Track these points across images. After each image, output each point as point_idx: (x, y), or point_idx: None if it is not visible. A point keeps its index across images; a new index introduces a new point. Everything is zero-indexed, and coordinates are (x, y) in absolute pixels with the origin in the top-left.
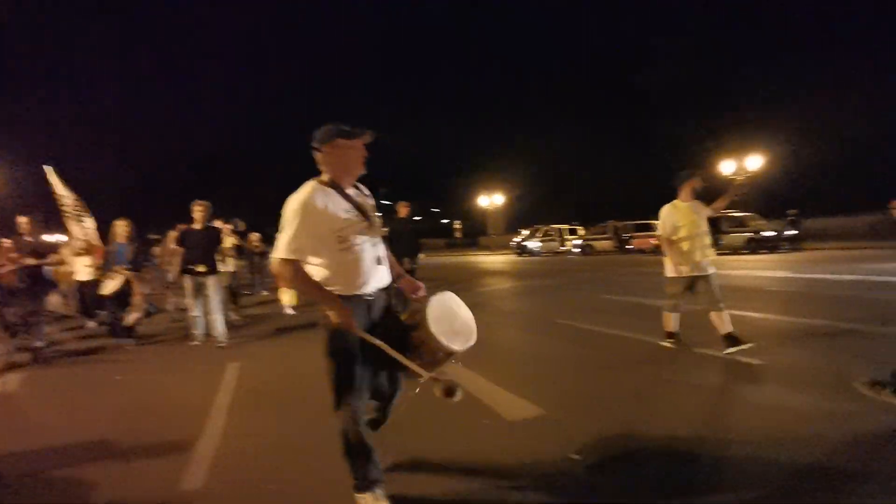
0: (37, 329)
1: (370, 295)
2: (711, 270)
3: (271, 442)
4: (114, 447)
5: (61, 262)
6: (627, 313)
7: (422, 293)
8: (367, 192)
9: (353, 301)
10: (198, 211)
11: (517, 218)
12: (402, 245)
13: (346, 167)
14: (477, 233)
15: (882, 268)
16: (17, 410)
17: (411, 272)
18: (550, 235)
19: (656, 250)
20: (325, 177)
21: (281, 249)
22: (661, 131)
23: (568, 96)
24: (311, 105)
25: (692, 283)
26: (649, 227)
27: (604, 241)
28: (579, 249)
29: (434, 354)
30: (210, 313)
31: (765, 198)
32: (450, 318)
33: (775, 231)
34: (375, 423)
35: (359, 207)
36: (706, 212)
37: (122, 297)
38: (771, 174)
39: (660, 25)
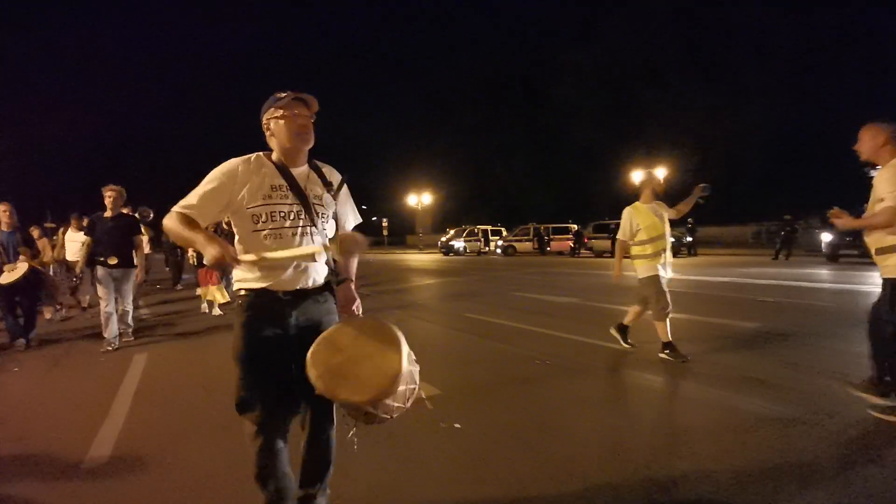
0: None
1: (284, 294)
2: (670, 275)
3: (175, 424)
4: (17, 432)
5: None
6: (535, 310)
7: (355, 309)
8: (331, 176)
9: (261, 297)
10: (109, 197)
11: (445, 218)
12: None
13: (281, 140)
14: (405, 231)
15: (761, 272)
16: None
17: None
18: (475, 236)
19: (573, 252)
20: (274, 153)
21: (178, 204)
22: (578, 139)
23: (492, 103)
24: (234, 97)
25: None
26: (567, 231)
27: (525, 243)
28: (501, 250)
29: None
30: (123, 309)
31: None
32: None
33: (675, 237)
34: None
35: (297, 189)
36: (669, 214)
37: (28, 291)
38: (673, 184)
39: (572, 39)
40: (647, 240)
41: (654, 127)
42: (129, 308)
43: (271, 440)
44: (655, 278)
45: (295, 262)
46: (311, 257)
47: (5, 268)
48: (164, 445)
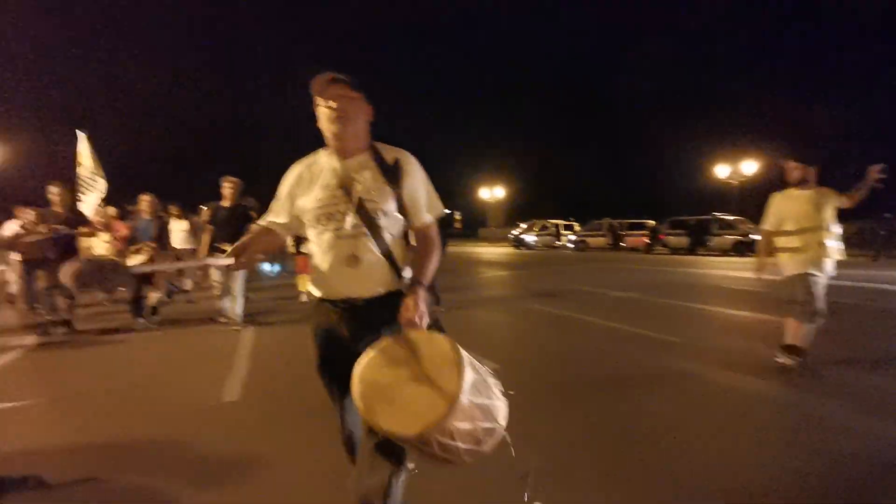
0: (53, 301)
1: (336, 303)
2: (823, 272)
3: (287, 380)
4: (159, 382)
5: (91, 234)
6: (601, 304)
7: (418, 321)
8: (393, 159)
9: (319, 305)
10: (227, 187)
11: (516, 211)
12: None
13: (323, 130)
14: (477, 224)
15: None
16: (54, 374)
17: None
18: (547, 230)
19: (649, 249)
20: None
21: (264, 216)
22: (653, 132)
23: (565, 95)
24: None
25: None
26: (643, 226)
27: (598, 238)
28: (573, 245)
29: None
30: (234, 294)
31: (759, 202)
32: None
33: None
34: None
35: (345, 185)
36: (839, 202)
37: (145, 275)
38: (765, 180)
39: (648, 28)
40: (795, 231)
41: (741, 118)
42: (240, 294)
43: (347, 432)
44: (804, 277)
45: (340, 268)
46: (351, 261)
47: (130, 253)
48: (280, 395)
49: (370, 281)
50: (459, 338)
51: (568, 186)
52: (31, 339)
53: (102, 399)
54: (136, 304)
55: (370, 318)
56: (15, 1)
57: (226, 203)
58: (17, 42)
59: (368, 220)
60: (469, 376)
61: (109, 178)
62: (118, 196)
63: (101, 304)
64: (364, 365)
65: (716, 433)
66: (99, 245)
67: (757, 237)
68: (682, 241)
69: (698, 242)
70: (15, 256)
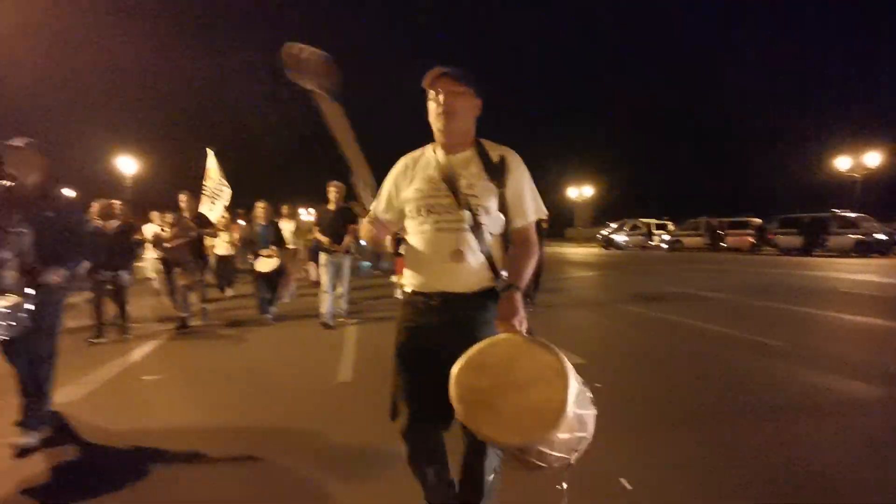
0: (187, 298)
1: (432, 296)
2: None
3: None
4: (279, 365)
5: (214, 235)
6: (688, 302)
7: (516, 324)
8: (498, 156)
9: (414, 298)
10: (332, 191)
11: (605, 211)
12: None
13: (431, 124)
14: (564, 224)
15: None
16: (189, 356)
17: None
18: (638, 229)
19: (754, 249)
20: None
21: (371, 210)
22: (757, 124)
23: (657, 89)
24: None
25: None
26: (747, 225)
27: (695, 238)
28: (667, 245)
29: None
30: (340, 291)
31: (884, 198)
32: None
33: (888, 234)
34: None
35: (449, 179)
36: None
37: (273, 276)
38: (891, 173)
39: (749, 12)
40: None
41: (864, 105)
42: (346, 290)
43: (416, 453)
44: None
45: (440, 261)
46: (455, 255)
47: (261, 254)
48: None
49: (469, 276)
50: (547, 336)
51: (662, 183)
52: (170, 328)
53: (230, 378)
54: (266, 301)
55: (464, 315)
56: (156, 38)
57: (331, 206)
58: (156, 73)
59: (472, 216)
60: (574, 386)
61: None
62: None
63: (226, 299)
64: (462, 367)
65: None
66: (221, 245)
67: (881, 237)
68: (795, 240)
69: (814, 242)
70: (153, 254)
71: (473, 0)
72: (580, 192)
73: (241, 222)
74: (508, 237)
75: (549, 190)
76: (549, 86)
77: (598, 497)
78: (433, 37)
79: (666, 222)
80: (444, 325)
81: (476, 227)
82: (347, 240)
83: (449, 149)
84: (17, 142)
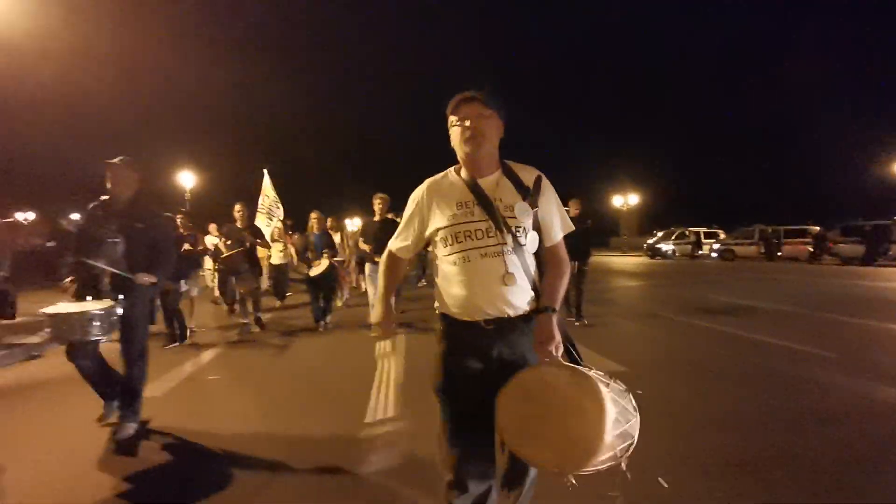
0: (246, 306)
1: (486, 323)
2: None
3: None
4: (330, 369)
5: (267, 246)
6: (737, 312)
7: (554, 350)
8: (528, 178)
9: (459, 326)
10: (378, 203)
11: (652, 219)
12: (569, 247)
13: (456, 149)
14: (609, 233)
15: None
16: (249, 360)
17: (580, 274)
18: (686, 238)
19: (812, 258)
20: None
21: (390, 242)
22: (818, 126)
23: (708, 92)
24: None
25: None
26: (805, 233)
27: (748, 247)
28: (717, 254)
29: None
30: None
31: None
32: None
33: None
34: None
35: (485, 203)
36: None
37: (327, 283)
38: None
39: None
40: None
41: None
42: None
43: (463, 488)
44: None
45: (491, 286)
46: (507, 279)
47: (313, 263)
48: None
49: (519, 299)
50: (592, 346)
51: (710, 190)
52: (231, 335)
53: (286, 377)
54: (320, 310)
55: (517, 339)
56: (216, 62)
57: (376, 217)
58: (215, 93)
59: (513, 238)
60: (612, 412)
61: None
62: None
63: (280, 308)
64: (509, 394)
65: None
66: (275, 255)
67: None
68: (856, 249)
69: (876, 251)
70: (209, 265)
71: (515, 7)
72: (625, 200)
73: (290, 232)
74: (541, 257)
75: (593, 199)
76: (595, 92)
77: (636, 496)
78: (483, 51)
79: (717, 230)
80: (500, 349)
81: (518, 249)
82: None
83: (477, 172)
84: (115, 160)
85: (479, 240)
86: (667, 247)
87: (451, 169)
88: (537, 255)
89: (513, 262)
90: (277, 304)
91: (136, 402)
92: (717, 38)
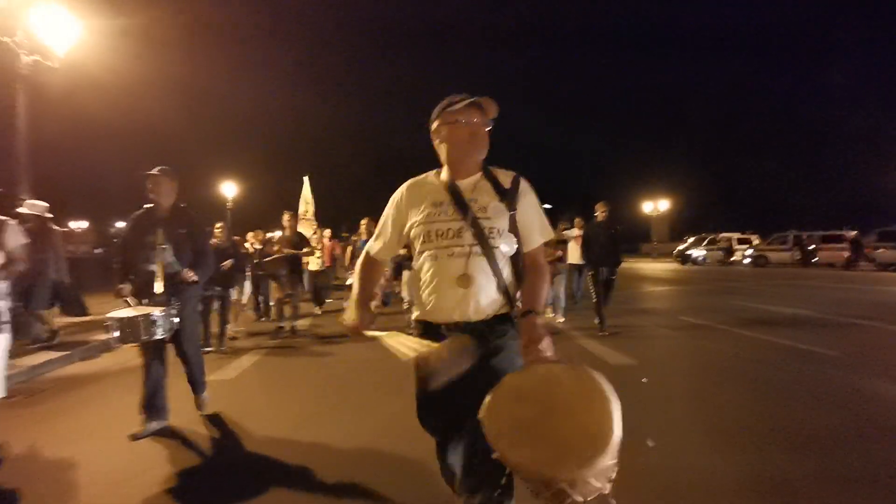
0: (282, 310)
1: (446, 328)
2: None
3: None
4: (365, 371)
5: (310, 253)
6: (757, 319)
7: (543, 352)
8: (507, 181)
9: (427, 330)
10: None
11: (683, 225)
12: (598, 252)
13: (450, 148)
14: (638, 239)
15: None
16: (286, 363)
17: (608, 284)
18: (717, 244)
19: (849, 264)
20: (443, 166)
21: (368, 244)
22: (857, 128)
23: (740, 94)
24: None
25: None
26: (841, 239)
27: (782, 253)
28: (750, 260)
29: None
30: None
31: None
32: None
33: None
34: None
35: (460, 203)
36: None
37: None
38: None
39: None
40: None
41: None
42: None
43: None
44: None
45: (449, 287)
46: (463, 280)
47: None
48: None
49: (481, 303)
50: (611, 346)
51: (744, 195)
52: (264, 341)
53: (323, 379)
54: None
55: (481, 343)
56: (259, 83)
57: None
58: (257, 109)
59: (482, 239)
60: (616, 404)
61: (324, 207)
62: (325, 220)
63: (318, 315)
64: (496, 400)
65: None
66: (313, 261)
67: None
68: (894, 255)
69: None
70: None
71: (546, 14)
72: (655, 206)
73: (325, 238)
74: (520, 261)
75: (623, 204)
76: (624, 97)
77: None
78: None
79: (749, 236)
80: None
81: (488, 251)
82: None
83: (459, 175)
84: (154, 170)
85: (449, 239)
86: (697, 253)
87: (433, 172)
88: (514, 260)
89: (478, 264)
90: (317, 310)
91: (203, 384)
92: (750, 40)
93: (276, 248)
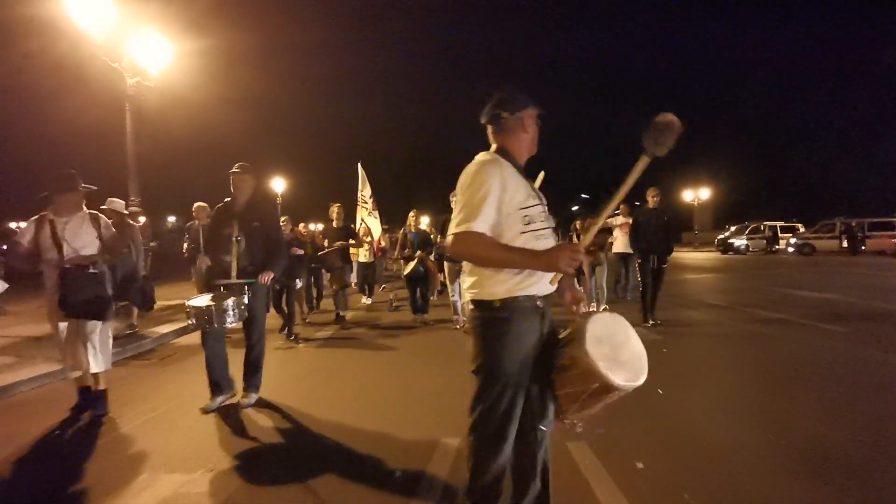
0: (339, 300)
1: (541, 301)
2: None
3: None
4: (417, 361)
5: (360, 245)
6: (783, 299)
7: (583, 308)
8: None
9: (522, 304)
10: (454, 200)
11: (727, 213)
12: (648, 240)
13: (532, 141)
14: (680, 228)
15: None
16: (341, 351)
17: (658, 273)
18: (760, 232)
19: None
20: (496, 150)
21: (466, 222)
22: None
23: (789, 79)
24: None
25: None
26: (892, 226)
27: (829, 241)
28: (795, 248)
29: (586, 383)
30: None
31: None
32: (615, 344)
33: None
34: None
35: (536, 189)
36: None
37: (420, 279)
38: None
39: None
40: None
41: None
42: (457, 298)
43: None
44: None
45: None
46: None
47: (410, 258)
48: None
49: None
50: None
51: (791, 183)
52: (327, 331)
53: (378, 367)
54: (417, 303)
55: (551, 313)
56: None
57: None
58: (321, 120)
59: (550, 223)
60: (639, 345)
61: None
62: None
63: (365, 307)
64: (590, 349)
65: None
66: (362, 253)
67: None
68: None
69: None
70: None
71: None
72: (696, 195)
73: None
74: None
75: (664, 192)
76: (665, 84)
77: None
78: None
79: (795, 224)
80: (547, 324)
81: (553, 233)
82: None
83: (522, 163)
84: (234, 168)
85: (541, 222)
86: (739, 241)
87: (497, 154)
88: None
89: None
90: (366, 301)
91: (258, 377)
92: (795, 29)
93: (325, 240)
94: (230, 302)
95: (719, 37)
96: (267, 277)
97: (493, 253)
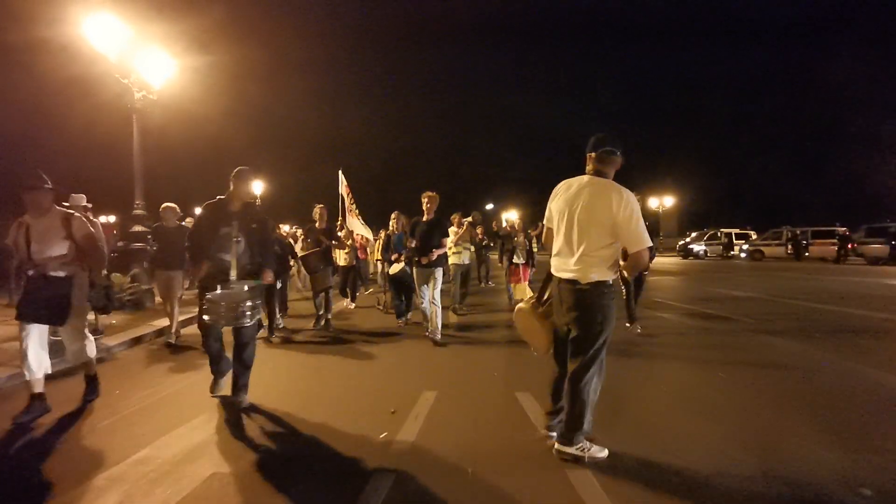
0: (320, 301)
1: (562, 282)
2: None
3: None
4: (392, 365)
5: (342, 247)
6: (722, 300)
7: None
8: None
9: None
10: (425, 202)
11: (690, 221)
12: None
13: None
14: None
15: None
16: (316, 353)
17: (639, 279)
18: (718, 238)
19: (838, 259)
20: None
21: (646, 239)
22: (860, 128)
23: (749, 94)
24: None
25: None
26: (832, 234)
27: (776, 247)
28: (746, 254)
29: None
30: (433, 302)
31: None
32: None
33: None
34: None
35: None
36: None
37: (404, 282)
38: None
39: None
40: None
41: None
42: (438, 307)
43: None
44: None
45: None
46: None
47: (394, 260)
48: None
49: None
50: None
51: (749, 193)
52: (307, 333)
53: (359, 368)
54: (400, 307)
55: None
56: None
57: (424, 218)
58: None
59: None
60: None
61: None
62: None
63: (347, 311)
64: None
65: None
66: (340, 256)
67: None
68: (882, 250)
69: None
70: None
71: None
72: (661, 201)
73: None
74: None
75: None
76: (632, 91)
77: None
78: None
79: (748, 232)
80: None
81: None
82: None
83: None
84: (236, 171)
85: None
86: (698, 247)
87: (613, 181)
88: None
89: None
90: (349, 304)
91: (247, 377)
92: (753, 40)
93: (308, 241)
94: (250, 303)
95: (685, 59)
96: (270, 277)
97: (644, 263)
